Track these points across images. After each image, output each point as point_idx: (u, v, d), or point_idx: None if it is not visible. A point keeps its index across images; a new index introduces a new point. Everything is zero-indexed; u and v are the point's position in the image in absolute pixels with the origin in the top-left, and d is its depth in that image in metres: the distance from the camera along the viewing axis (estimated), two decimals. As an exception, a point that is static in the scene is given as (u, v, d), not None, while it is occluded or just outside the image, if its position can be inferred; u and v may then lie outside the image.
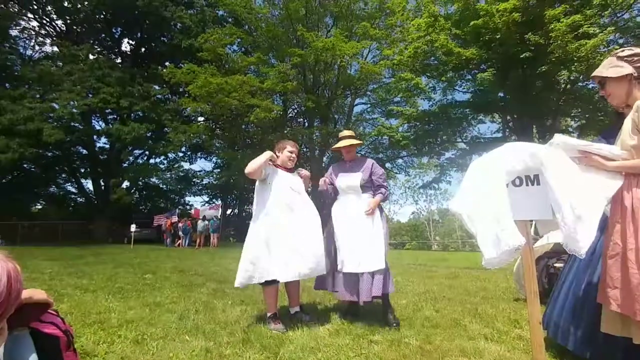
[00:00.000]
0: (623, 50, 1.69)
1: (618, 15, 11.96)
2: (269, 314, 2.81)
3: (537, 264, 3.13)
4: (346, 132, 3.26)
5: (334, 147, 3.32)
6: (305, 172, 3.18)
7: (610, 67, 1.68)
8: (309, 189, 3.25)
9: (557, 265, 3.23)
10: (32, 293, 1.46)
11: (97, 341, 2.32)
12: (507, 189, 1.56)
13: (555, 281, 3.24)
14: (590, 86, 12.77)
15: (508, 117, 15.96)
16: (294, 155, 3.10)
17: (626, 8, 11.71)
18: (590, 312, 1.83)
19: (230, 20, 22.06)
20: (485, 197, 1.58)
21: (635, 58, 1.64)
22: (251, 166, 2.81)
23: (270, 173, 2.93)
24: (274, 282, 2.78)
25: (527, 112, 13.62)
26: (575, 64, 11.64)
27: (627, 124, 1.62)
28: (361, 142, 3.47)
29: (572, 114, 14.89)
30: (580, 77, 12.87)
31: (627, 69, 1.64)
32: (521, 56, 12.08)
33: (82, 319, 2.87)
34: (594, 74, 1.77)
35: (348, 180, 3.06)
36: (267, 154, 2.90)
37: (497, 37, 12.15)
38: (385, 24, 19.65)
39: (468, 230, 1.65)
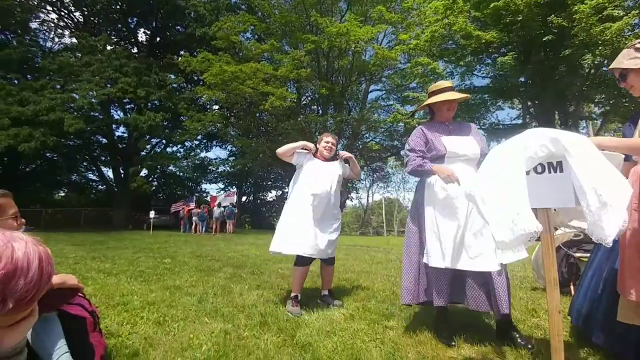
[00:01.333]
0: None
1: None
2: (292, 294, 2.88)
3: (557, 253, 3.08)
4: (444, 83, 2.45)
5: (425, 102, 2.46)
6: (344, 153, 3.15)
7: (630, 59, 1.66)
8: (356, 173, 3.24)
9: (577, 254, 3.16)
10: (65, 278, 1.53)
11: (120, 322, 2.42)
12: (526, 177, 1.53)
13: (574, 270, 3.19)
14: (615, 71, 12.20)
15: (529, 103, 15.45)
16: (329, 144, 3.15)
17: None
18: (608, 301, 1.82)
19: (243, 7, 21.94)
20: (504, 183, 1.55)
21: None
22: (282, 148, 3.07)
23: (305, 161, 3.10)
24: (303, 262, 2.90)
25: (549, 98, 13.14)
26: (600, 47, 11.11)
27: None
28: (466, 95, 2.55)
29: (596, 100, 14.29)
30: (605, 62, 12.29)
31: None
32: (543, 39, 11.59)
33: (106, 301, 3.00)
34: (612, 65, 1.74)
35: (462, 145, 2.25)
36: (300, 143, 3.09)
37: (519, 19, 11.66)
38: (401, 8, 19.13)
39: (481, 214, 1.62)
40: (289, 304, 2.82)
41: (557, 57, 12.00)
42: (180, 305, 2.90)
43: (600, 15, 10.52)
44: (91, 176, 27.14)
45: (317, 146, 3.19)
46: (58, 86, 18.23)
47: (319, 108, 22.62)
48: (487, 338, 2.15)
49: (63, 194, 29.12)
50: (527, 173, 1.55)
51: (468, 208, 2.10)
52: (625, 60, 1.68)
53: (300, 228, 2.84)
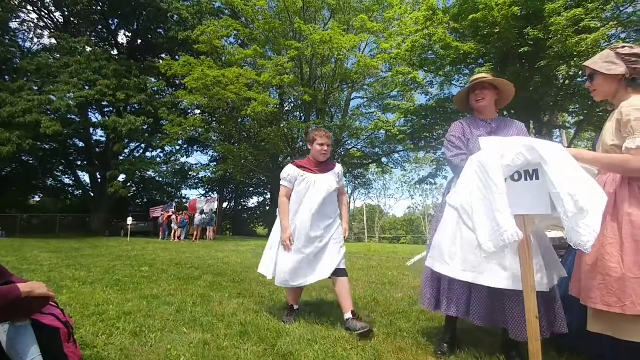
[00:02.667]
0: (624, 47, 1.63)
1: (621, 9, 11.86)
2: (288, 305, 2.87)
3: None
4: (480, 74, 2.24)
5: (457, 97, 2.29)
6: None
7: (605, 62, 1.63)
8: None
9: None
10: (34, 286, 1.48)
11: (96, 333, 2.33)
12: (505, 184, 1.57)
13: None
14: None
15: (505, 113, 15.96)
16: (325, 147, 2.72)
17: (629, 2, 11.62)
18: (580, 305, 1.86)
19: (227, 12, 21.83)
20: (483, 191, 1.59)
21: (634, 59, 1.58)
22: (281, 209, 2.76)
23: (297, 180, 2.73)
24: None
25: (524, 108, 13.61)
26: (575, 59, 11.59)
27: (610, 124, 1.62)
28: (508, 86, 2.21)
29: (570, 110, 14.91)
30: (580, 73, 12.83)
31: (621, 68, 1.59)
32: (520, 51, 12.03)
33: (81, 310, 2.88)
34: (587, 63, 1.70)
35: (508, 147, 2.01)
36: (286, 234, 2.66)
37: (496, 31, 12.07)
38: (382, 17, 19.52)
39: (465, 224, 1.66)
40: (285, 314, 2.80)
41: (533, 68, 12.47)
42: (158, 315, 2.81)
43: (576, 27, 10.95)
44: (67, 181, 26.32)
45: (309, 146, 2.80)
46: (35, 87, 17.64)
47: (302, 114, 22.69)
48: (481, 352, 2.17)
49: (38, 199, 28.06)
50: (505, 181, 1.60)
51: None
52: (600, 61, 1.64)
53: (287, 257, 2.64)
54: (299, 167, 2.77)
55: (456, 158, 2.09)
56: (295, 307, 2.85)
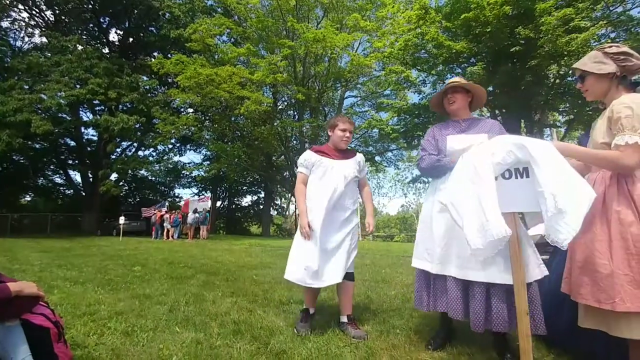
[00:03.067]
0: (611, 47, 1.65)
1: (611, 8, 12.01)
2: (303, 306, 2.61)
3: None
4: (455, 79, 2.35)
5: (432, 99, 2.41)
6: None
7: (594, 62, 1.65)
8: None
9: (543, 257, 3.30)
10: (23, 286, 1.47)
11: (87, 332, 2.31)
12: (495, 182, 1.59)
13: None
14: (579, 81, 12.93)
15: (497, 112, 16.12)
16: (347, 133, 2.57)
17: (619, 1, 11.77)
18: (570, 304, 1.89)
19: (219, 10, 21.68)
20: (473, 188, 1.61)
21: (622, 57, 1.60)
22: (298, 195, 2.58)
23: (314, 166, 2.54)
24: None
25: (516, 107, 13.75)
26: (565, 58, 11.73)
27: (601, 122, 1.64)
28: (479, 90, 2.32)
29: (561, 109, 15.09)
30: (570, 72, 12.99)
31: (611, 67, 1.60)
32: (511, 50, 12.14)
33: (72, 310, 2.86)
34: (575, 65, 1.72)
35: (465, 143, 2.04)
36: (304, 219, 2.43)
37: (488, 30, 12.16)
38: (375, 16, 19.54)
39: (455, 220, 1.67)
40: (298, 318, 2.53)
41: (524, 67, 12.59)
42: (150, 314, 2.80)
43: (566, 27, 11.07)
44: (58, 180, 26.01)
45: (329, 133, 2.65)
46: (26, 86, 17.40)
47: (295, 113, 22.65)
48: (473, 349, 2.20)
49: (29, 199, 27.69)
50: (496, 179, 1.61)
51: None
52: (590, 62, 1.66)
53: (302, 251, 2.41)
54: (317, 152, 2.59)
55: (434, 161, 2.18)
56: (312, 310, 2.51)
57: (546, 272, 1.87)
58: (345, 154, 2.62)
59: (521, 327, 1.59)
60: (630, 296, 1.42)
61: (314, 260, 2.34)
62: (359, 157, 2.67)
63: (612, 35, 12.33)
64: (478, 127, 2.18)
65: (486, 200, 1.55)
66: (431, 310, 2.15)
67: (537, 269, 1.84)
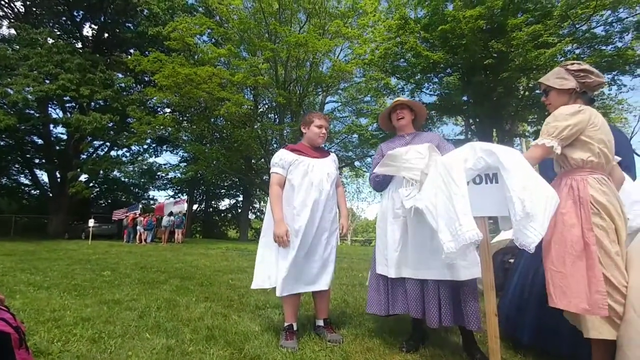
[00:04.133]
0: (573, 64, 1.77)
1: (577, 26, 12.73)
2: (285, 324, 2.35)
3: (494, 259, 3.31)
4: (400, 99, 2.47)
5: (380, 117, 2.56)
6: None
7: (557, 78, 1.77)
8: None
9: (511, 260, 3.43)
10: None
11: (51, 339, 2.20)
12: (467, 187, 1.65)
13: (509, 276, 3.46)
14: (546, 94, 13.59)
15: (470, 121, 16.68)
16: (323, 130, 2.51)
17: (585, 20, 12.51)
18: (535, 302, 1.97)
19: (200, 9, 21.36)
20: (446, 192, 1.66)
21: (582, 74, 1.73)
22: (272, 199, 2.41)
23: (292, 166, 2.42)
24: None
25: (488, 116, 14.29)
26: (534, 71, 12.34)
27: None
28: (421, 107, 2.48)
29: (529, 120, 15.80)
30: (538, 85, 13.63)
31: (572, 82, 1.74)
32: (484, 62, 12.63)
33: (35, 316, 2.72)
34: (541, 80, 1.86)
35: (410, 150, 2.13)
36: (281, 228, 2.29)
37: (463, 42, 12.62)
38: (357, 24, 19.83)
39: (430, 224, 1.72)
40: (282, 336, 2.28)
41: (496, 79, 13.12)
42: (119, 320, 2.70)
43: (536, 42, 11.66)
44: (24, 180, 24.57)
45: (303, 130, 2.56)
46: (-10, 80, 16.39)
47: (276, 116, 22.54)
48: (446, 350, 2.24)
49: (-9, 199, 26.03)
50: (467, 184, 1.67)
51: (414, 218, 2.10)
52: (553, 78, 1.79)
53: (292, 256, 2.27)
54: (292, 151, 2.48)
55: (372, 178, 2.41)
56: (295, 326, 2.35)
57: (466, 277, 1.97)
58: (321, 152, 2.57)
59: (489, 327, 1.64)
60: (559, 295, 1.51)
61: (303, 268, 2.32)
62: (333, 156, 2.65)
63: (577, 51, 13.06)
64: (421, 139, 2.32)
65: (459, 205, 1.60)
66: (389, 314, 2.25)
67: (476, 267, 1.94)
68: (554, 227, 1.59)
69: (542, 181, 1.53)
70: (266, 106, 23.68)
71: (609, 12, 12.36)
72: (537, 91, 14.00)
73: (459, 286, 2.00)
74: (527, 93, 14.40)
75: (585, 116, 1.63)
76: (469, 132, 17.22)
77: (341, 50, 21.68)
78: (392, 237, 2.21)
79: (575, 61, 1.81)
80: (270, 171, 2.48)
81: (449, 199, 1.65)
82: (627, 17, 12.45)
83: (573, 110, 1.65)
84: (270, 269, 2.38)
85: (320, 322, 2.45)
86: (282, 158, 2.44)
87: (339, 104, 24.18)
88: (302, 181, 2.38)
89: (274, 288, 2.34)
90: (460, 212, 1.60)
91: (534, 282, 2.03)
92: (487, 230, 1.73)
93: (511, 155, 1.60)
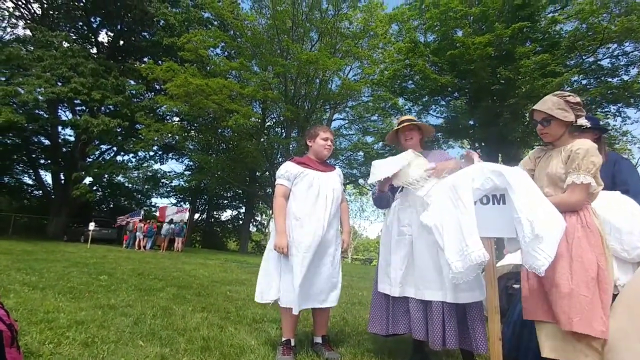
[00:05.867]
0: (570, 96, 1.80)
1: (583, 57, 12.92)
2: (282, 339, 2.30)
3: (497, 284, 3.24)
4: (406, 117, 2.53)
5: (388, 135, 2.58)
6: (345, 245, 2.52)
7: (559, 109, 1.78)
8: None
9: (515, 286, 3.36)
10: None
11: (42, 341, 2.16)
12: (474, 207, 1.63)
13: (512, 301, 3.38)
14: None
15: (476, 144, 16.74)
16: (329, 142, 2.51)
17: (591, 52, 12.71)
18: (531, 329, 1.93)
19: (215, 23, 21.92)
20: (454, 213, 1.64)
21: (578, 107, 1.78)
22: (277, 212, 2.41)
23: (297, 178, 2.40)
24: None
25: (494, 141, 14.35)
26: (541, 99, 12.46)
27: (556, 160, 1.75)
28: (428, 126, 2.53)
29: (534, 146, 15.83)
30: (531, 112, 13.74)
31: (572, 116, 1.77)
32: (492, 88, 12.79)
33: (28, 316, 2.67)
34: (541, 109, 1.83)
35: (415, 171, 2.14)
36: (282, 240, 2.28)
37: (471, 68, 12.81)
38: (368, 45, 20.24)
39: (439, 242, 1.69)
40: (278, 351, 2.21)
41: (503, 105, 13.25)
42: (113, 326, 2.65)
43: (543, 71, 11.82)
44: (27, 180, 24.69)
45: (309, 144, 2.56)
46: (3, 78, 16.71)
47: (283, 131, 22.76)
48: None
49: (-8, 197, 26.11)
50: (474, 204, 1.65)
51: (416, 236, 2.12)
52: (555, 108, 1.78)
53: (300, 271, 2.22)
54: (298, 163, 2.46)
55: (374, 196, 2.49)
56: (293, 342, 2.28)
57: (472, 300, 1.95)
58: (327, 166, 2.57)
59: (493, 352, 1.59)
60: (584, 319, 1.49)
61: (311, 284, 2.27)
62: (339, 170, 2.65)
63: (584, 82, 13.21)
64: (428, 158, 2.30)
65: (466, 225, 1.58)
66: (390, 334, 2.20)
67: (478, 291, 1.95)
68: (572, 251, 1.58)
69: (550, 205, 1.52)
70: (274, 120, 23.95)
71: (615, 45, 12.56)
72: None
73: (464, 308, 1.97)
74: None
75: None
76: (474, 156, 17.24)
77: (350, 69, 22.06)
78: (396, 255, 2.18)
79: (571, 93, 1.83)
80: (276, 183, 2.47)
81: (456, 219, 1.63)
82: (632, 51, 12.63)
83: (594, 144, 1.70)
84: (275, 282, 2.34)
85: (319, 339, 2.39)
86: (287, 170, 2.43)
87: (346, 121, 24.42)
88: (307, 194, 2.36)
89: (274, 301, 2.31)
90: (467, 233, 1.58)
91: None
92: (493, 251, 1.70)
93: (519, 176, 1.59)
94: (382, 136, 17.36)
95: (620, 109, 13.53)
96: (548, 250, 1.41)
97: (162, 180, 25.75)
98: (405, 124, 2.39)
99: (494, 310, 1.61)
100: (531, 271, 1.56)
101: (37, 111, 17.73)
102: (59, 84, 17.17)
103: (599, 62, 13.19)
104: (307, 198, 2.35)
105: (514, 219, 1.53)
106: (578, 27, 12.34)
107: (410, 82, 15.87)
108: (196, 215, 29.74)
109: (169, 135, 19.10)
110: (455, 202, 1.64)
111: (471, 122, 15.47)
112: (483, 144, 15.72)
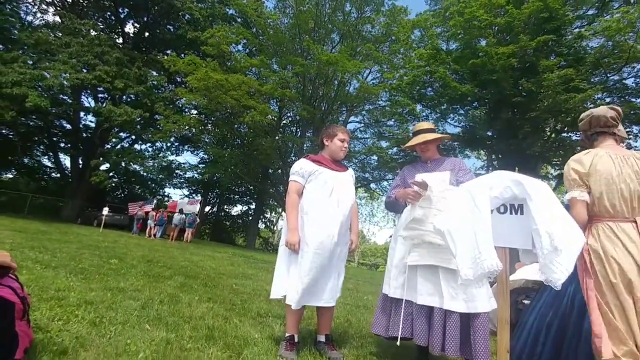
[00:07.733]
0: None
1: (608, 75, 12.60)
2: (286, 334, 2.31)
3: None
4: (423, 125, 2.53)
5: (405, 145, 2.59)
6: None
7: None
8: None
9: (525, 302, 3.29)
10: None
11: (52, 317, 2.21)
12: (491, 215, 1.60)
13: (521, 317, 3.31)
14: (573, 138, 13.35)
15: (493, 156, 16.45)
16: (345, 144, 2.50)
17: (616, 70, 12.38)
18: (553, 345, 1.88)
19: (239, 20, 22.18)
20: (470, 220, 1.61)
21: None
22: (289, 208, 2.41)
23: (311, 175, 2.39)
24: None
25: (512, 154, 14.07)
26: (563, 114, 12.17)
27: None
28: (444, 135, 2.63)
29: (553, 162, 15.47)
30: (565, 128, 13.42)
31: None
32: (513, 100, 12.55)
33: (39, 293, 2.74)
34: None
35: (428, 180, 2.12)
36: (293, 237, 2.29)
37: (493, 78, 12.61)
38: (389, 49, 20.15)
39: (450, 248, 1.67)
40: (282, 346, 2.22)
41: (523, 117, 12.98)
42: (121, 308, 2.69)
43: (566, 86, 11.56)
44: (46, 161, 25.46)
45: (325, 143, 2.52)
46: (30, 62, 17.25)
47: (298, 130, 22.84)
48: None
49: (11, 176, 26.96)
50: (491, 212, 1.62)
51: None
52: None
53: (307, 268, 2.22)
54: (313, 161, 2.45)
55: (387, 200, 2.51)
56: (296, 338, 2.30)
57: (494, 306, 1.92)
58: (341, 166, 2.55)
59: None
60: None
61: (316, 281, 2.24)
62: (351, 171, 2.63)
63: (607, 99, 12.87)
64: (443, 166, 2.38)
65: (481, 233, 1.55)
66: (392, 336, 2.19)
67: (487, 302, 1.95)
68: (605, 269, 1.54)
69: (569, 217, 1.48)
70: (290, 119, 24.05)
71: (640, 65, 12.22)
72: (564, 134, 13.73)
73: (468, 318, 1.95)
74: (553, 135, 14.15)
75: None
76: (491, 168, 16.96)
77: (370, 72, 22.00)
78: (401, 259, 2.22)
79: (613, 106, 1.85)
80: (289, 179, 2.47)
81: (472, 226, 1.60)
82: (658, 72, 12.27)
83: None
84: (284, 278, 2.34)
85: (322, 338, 2.39)
86: (302, 167, 2.42)
87: (362, 124, 24.35)
88: (321, 192, 2.35)
89: (282, 297, 2.33)
90: (482, 241, 1.55)
91: (551, 324, 1.94)
92: (507, 261, 1.66)
93: (539, 188, 1.56)
94: (397, 141, 17.23)
95: (643, 130, 13.17)
96: (566, 264, 1.37)
97: (177, 171, 26.11)
98: (421, 141, 2.40)
99: (505, 321, 1.57)
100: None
101: (61, 96, 18.21)
102: (84, 70, 17.62)
103: (623, 81, 12.85)
104: (320, 196, 2.34)
105: (532, 230, 1.49)
106: (604, 45, 12.05)
107: (429, 89, 15.71)
108: (207, 208, 30.05)
109: (186, 127, 19.38)
110: (473, 209, 1.61)
111: (489, 133, 15.22)
112: (500, 156, 15.44)
